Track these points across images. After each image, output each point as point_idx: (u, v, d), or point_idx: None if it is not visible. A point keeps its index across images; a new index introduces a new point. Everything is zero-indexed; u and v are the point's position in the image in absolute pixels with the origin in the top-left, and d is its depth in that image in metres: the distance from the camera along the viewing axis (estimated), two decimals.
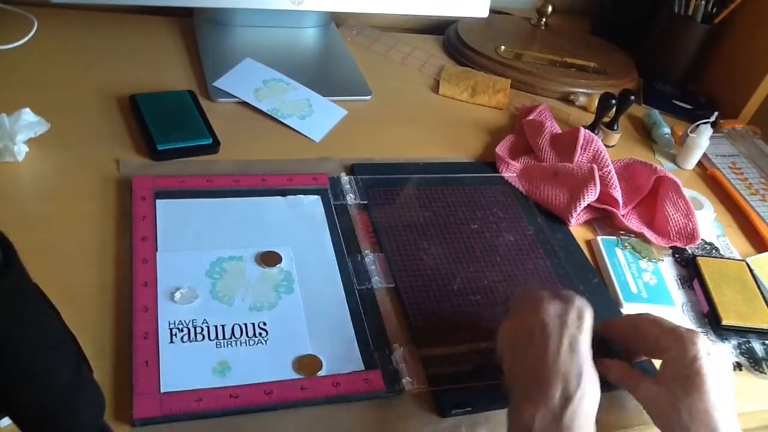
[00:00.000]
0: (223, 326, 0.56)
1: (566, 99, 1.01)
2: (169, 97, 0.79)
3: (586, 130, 0.82)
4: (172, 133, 0.73)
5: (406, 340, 0.59)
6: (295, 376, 0.54)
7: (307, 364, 0.55)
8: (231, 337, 0.56)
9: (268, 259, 0.63)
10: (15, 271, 0.33)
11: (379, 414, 0.54)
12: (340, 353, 0.57)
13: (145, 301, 0.56)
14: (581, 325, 0.51)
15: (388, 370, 0.56)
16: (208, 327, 0.56)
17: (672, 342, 0.53)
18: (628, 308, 0.69)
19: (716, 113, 0.93)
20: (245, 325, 0.57)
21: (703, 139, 0.90)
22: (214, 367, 0.53)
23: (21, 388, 0.34)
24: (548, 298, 0.53)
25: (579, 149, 0.81)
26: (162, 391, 0.50)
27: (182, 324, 0.56)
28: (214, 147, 0.74)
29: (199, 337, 0.55)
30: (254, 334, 0.56)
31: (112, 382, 0.51)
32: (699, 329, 0.69)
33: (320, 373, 0.55)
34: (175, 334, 0.55)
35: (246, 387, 0.52)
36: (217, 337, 0.55)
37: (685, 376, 0.51)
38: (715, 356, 0.52)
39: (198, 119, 0.77)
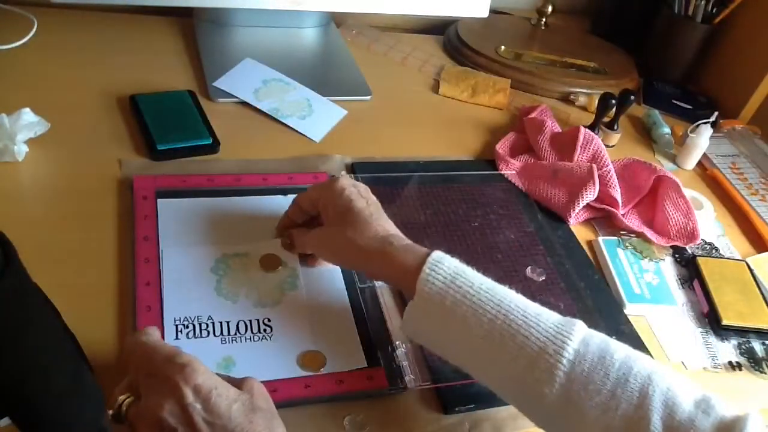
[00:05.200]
0: (228, 322, 0.56)
1: (566, 99, 1.01)
2: (169, 97, 0.79)
3: (587, 130, 0.82)
4: (172, 133, 0.73)
5: (409, 337, 0.59)
6: (299, 371, 0.54)
7: (310, 360, 0.55)
8: (236, 333, 0.56)
9: (268, 262, 0.63)
10: (15, 271, 0.33)
11: (382, 411, 0.54)
12: (343, 350, 0.57)
13: (149, 299, 0.56)
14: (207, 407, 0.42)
15: (390, 368, 0.56)
16: (213, 323, 0.56)
17: (321, 191, 0.60)
18: (631, 309, 0.69)
19: (716, 113, 0.93)
20: (250, 321, 0.57)
21: (703, 139, 0.90)
22: (219, 362, 0.53)
23: (21, 388, 0.34)
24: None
25: (579, 148, 0.81)
26: None
27: (187, 320, 0.56)
28: (214, 147, 0.74)
29: (204, 333, 0.55)
30: (259, 330, 0.57)
31: (116, 382, 0.51)
32: (699, 329, 0.69)
33: (323, 370, 0.55)
34: (181, 331, 0.55)
35: None
36: (222, 333, 0.56)
37: (342, 212, 0.57)
38: (358, 186, 0.60)
39: (198, 119, 0.77)
